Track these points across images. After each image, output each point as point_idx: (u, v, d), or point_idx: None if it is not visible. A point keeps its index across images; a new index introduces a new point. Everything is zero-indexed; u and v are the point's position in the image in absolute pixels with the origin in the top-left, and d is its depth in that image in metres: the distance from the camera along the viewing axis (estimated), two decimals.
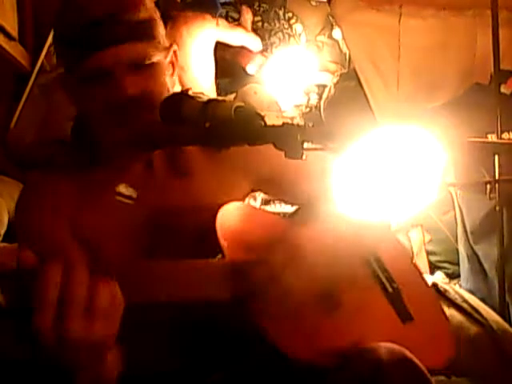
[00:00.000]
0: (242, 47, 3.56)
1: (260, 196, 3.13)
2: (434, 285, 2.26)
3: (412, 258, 1.53)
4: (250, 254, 1.20)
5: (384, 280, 1.34)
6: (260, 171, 1.38)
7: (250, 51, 3.60)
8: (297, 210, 1.46)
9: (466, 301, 2.20)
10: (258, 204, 3.16)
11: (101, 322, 0.89)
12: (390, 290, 1.33)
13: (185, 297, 1.08)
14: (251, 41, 3.59)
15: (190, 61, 3.27)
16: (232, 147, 1.09)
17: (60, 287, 0.87)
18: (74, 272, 0.88)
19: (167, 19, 3.24)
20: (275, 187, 1.45)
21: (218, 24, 3.41)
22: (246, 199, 1.43)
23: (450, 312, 2.15)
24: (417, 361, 1.09)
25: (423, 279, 1.47)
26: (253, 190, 1.43)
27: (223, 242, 1.19)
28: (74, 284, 0.87)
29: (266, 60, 3.68)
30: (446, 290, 2.25)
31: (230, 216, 1.25)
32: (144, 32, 1.18)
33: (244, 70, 3.62)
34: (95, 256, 1.20)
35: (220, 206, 1.26)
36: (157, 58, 1.20)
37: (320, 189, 1.38)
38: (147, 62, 1.19)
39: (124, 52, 1.16)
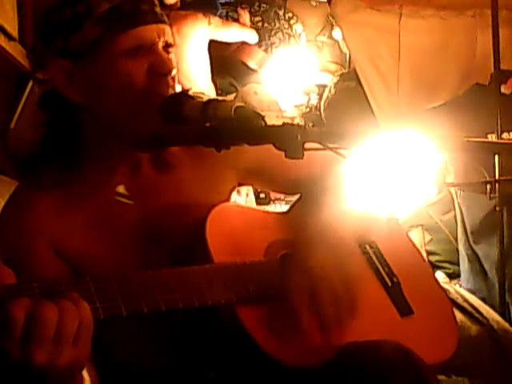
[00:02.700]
0: (242, 42, 3.54)
1: (251, 192, 3.09)
2: None
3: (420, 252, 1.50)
4: (239, 257, 1.19)
5: (383, 274, 1.34)
6: (244, 163, 1.36)
7: (250, 45, 3.57)
8: (293, 204, 1.45)
9: (466, 300, 2.20)
10: (252, 199, 3.12)
11: (68, 348, 0.90)
12: (390, 283, 1.33)
13: (184, 303, 1.08)
14: (247, 35, 3.56)
15: (184, 61, 3.25)
16: (232, 147, 1.09)
17: (26, 317, 0.88)
18: (40, 303, 0.89)
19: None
20: (261, 177, 1.43)
21: (210, 23, 3.38)
22: (235, 196, 1.41)
23: None
24: (421, 361, 1.09)
25: (431, 274, 1.47)
26: (240, 184, 1.42)
27: (210, 248, 1.18)
28: (41, 314, 0.89)
29: (266, 55, 3.66)
30: (446, 290, 2.25)
31: (219, 220, 1.24)
32: (167, 20, 1.26)
33: (245, 65, 3.60)
34: (82, 266, 1.20)
35: (209, 204, 1.25)
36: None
37: (310, 176, 1.38)
38: (171, 49, 1.24)
39: (164, 30, 1.22)
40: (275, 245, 1.27)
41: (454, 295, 2.23)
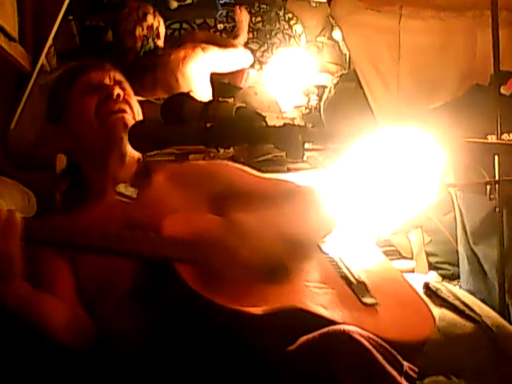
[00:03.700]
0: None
1: None
2: (426, 284, 2.26)
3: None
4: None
5: (347, 273, 1.39)
6: (216, 188, 1.47)
7: (243, 69, 3.59)
8: None
9: (458, 298, 2.20)
10: None
11: None
12: (354, 281, 1.38)
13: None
14: (241, 58, 3.57)
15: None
16: (232, 147, 1.10)
17: None
18: None
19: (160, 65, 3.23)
20: (234, 200, 1.49)
21: (204, 49, 3.37)
22: None
23: (441, 310, 2.15)
24: (365, 342, 1.11)
25: (398, 274, 1.53)
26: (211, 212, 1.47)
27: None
28: None
29: (258, 73, 3.68)
30: (437, 289, 2.24)
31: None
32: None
33: (240, 88, 3.62)
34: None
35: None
36: None
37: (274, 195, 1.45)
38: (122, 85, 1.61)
39: (108, 72, 1.59)
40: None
41: (445, 294, 2.23)
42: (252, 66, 3.67)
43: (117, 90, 1.44)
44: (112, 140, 1.40)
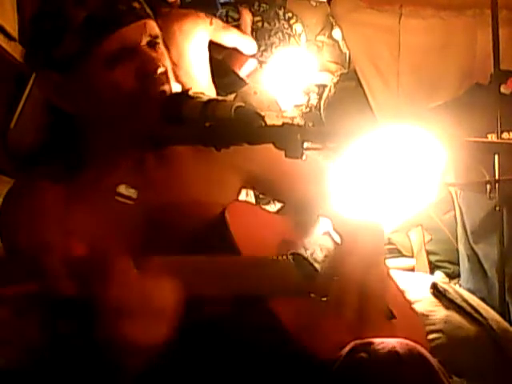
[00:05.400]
0: (235, 49, 3.54)
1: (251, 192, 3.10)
2: (434, 285, 2.26)
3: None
4: (261, 253, 1.21)
5: None
6: (248, 168, 1.36)
7: (243, 54, 3.57)
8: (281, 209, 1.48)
9: (465, 300, 2.20)
10: (251, 199, 3.13)
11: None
12: None
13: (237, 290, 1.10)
14: (245, 43, 3.55)
15: (186, 59, 3.24)
16: (232, 147, 1.09)
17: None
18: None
19: (157, 16, 3.14)
20: (263, 184, 1.44)
21: (211, 23, 3.38)
22: (240, 196, 1.43)
23: (449, 312, 2.15)
24: (429, 356, 1.09)
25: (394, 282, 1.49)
26: (243, 187, 1.43)
27: (237, 241, 1.18)
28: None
29: (258, 65, 3.66)
30: (445, 290, 2.24)
31: (237, 216, 1.24)
32: (150, 11, 1.22)
33: (235, 73, 3.60)
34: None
35: (215, 202, 1.26)
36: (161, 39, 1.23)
37: (313, 190, 1.40)
38: (159, 40, 1.21)
39: (145, 25, 1.18)
40: (284, 244, 1.29)
41: (453, 295, 2.23)
42: (253, 56, 3.64)
43: (160, 64, 1.18)
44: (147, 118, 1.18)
